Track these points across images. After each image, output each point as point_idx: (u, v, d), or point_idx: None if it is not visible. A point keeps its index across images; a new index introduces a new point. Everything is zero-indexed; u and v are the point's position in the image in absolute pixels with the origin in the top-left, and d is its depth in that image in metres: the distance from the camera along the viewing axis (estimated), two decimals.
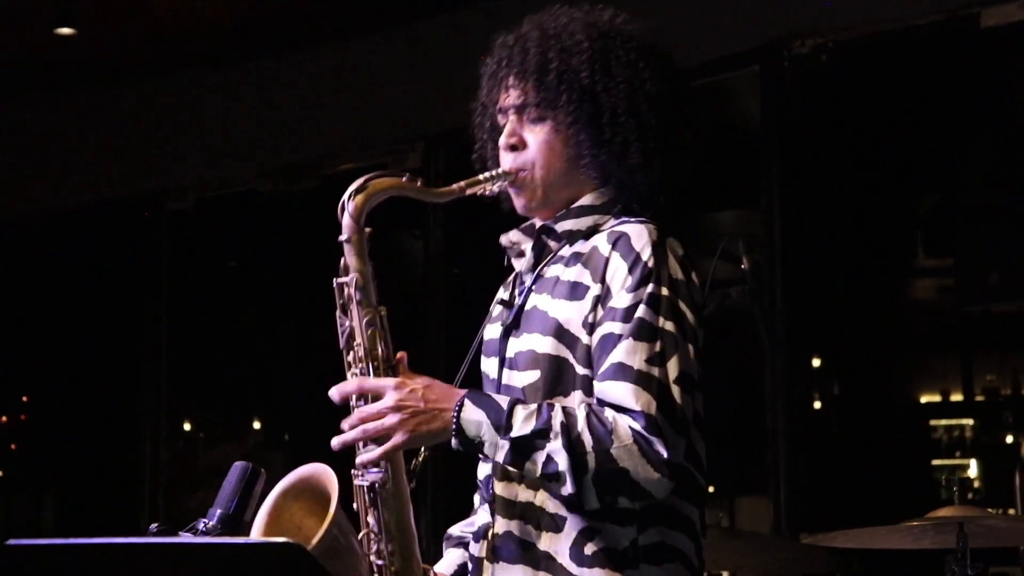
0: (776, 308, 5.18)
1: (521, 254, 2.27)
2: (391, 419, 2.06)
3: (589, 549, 2.08)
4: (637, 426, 2.02)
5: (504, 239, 2.30)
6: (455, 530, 2.38)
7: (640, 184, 2.18)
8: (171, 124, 7.00)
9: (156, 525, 2.14)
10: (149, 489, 7.08)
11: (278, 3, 6.22)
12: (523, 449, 2.03)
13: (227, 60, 6.76)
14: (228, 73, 6.83)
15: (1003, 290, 4.34)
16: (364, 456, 2.09)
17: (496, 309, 2.31)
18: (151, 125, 7.03)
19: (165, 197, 7.09)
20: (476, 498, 2.34)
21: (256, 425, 7.43)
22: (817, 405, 6.41)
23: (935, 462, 7.49)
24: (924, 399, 7.82)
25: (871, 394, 6.88)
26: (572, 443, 2.01)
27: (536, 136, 2.21)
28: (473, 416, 2.05)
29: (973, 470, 7.69)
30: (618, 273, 2.10)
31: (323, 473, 2.13)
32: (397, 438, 2.06)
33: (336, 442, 2.10)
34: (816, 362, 6.33)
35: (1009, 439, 7.46)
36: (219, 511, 2.17)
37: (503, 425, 2.03)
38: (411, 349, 2.21)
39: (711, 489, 6.55)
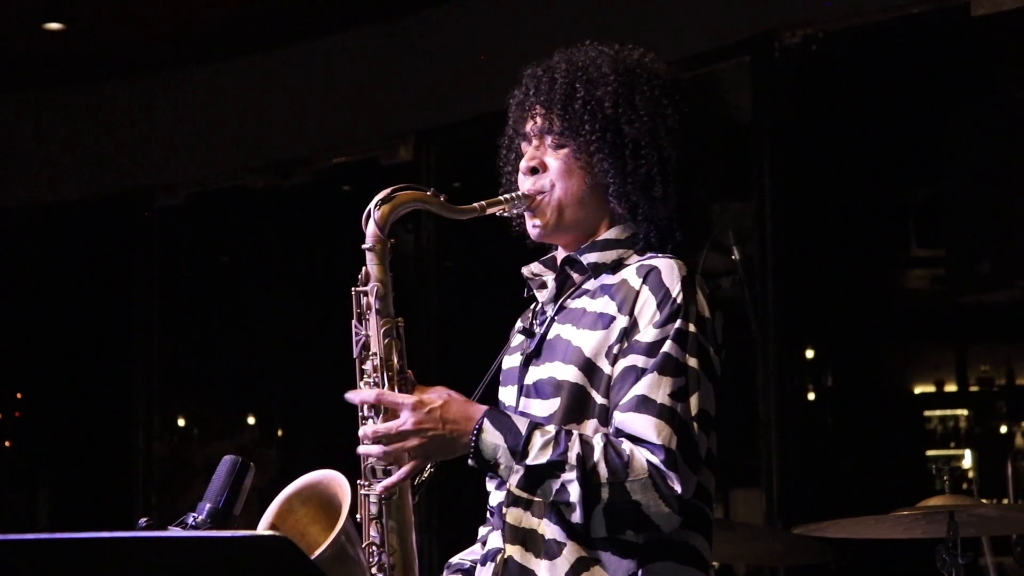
0: (768, 299, 5.18)
1: (543, 286, 2.29)
2: (410, 441, 2.08)
3: None
4: (655, 460, 2.05)
5: (526, 270, 2.32)
6: (455, 559, 2.39)
7: (661, 217, 2.20)
8: (161, 120, 6.98)
9: (145, 520, 2.13)
10: (143, 485, 7.07)
11: None
12: (536, 478, 2.06)
13: (217, 56, 6.75)
14: (218, 69, 6.82)
15: (994, 279, 4.34)
16: (385, 482, 2.10)
17: (516, 339, 2.32)
18: (141, 121, 7.02)
19: (155, 193, 7.07)
20: (481, 529, 2.35)
21: (250, 420, 7.42)
22: (811, 396, 6.40)
23: (930, 452, 7.49)
24: (918, 389, 7.82)
25: (865, 385, 6.88)
26: (587, 475, 2.04)
27: (557, 160, 2.23)
28: (491, 439, 2.07)
29: (968, 460, 7.69)
30: (647, 307, 2.12)
31: (333, 480, 2.13)
32: (415, 462, 2.09)
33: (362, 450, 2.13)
34: (809, 353, 6.33)
35: (1003, 429, 7.47)
36: (208, 505, 2.16)
37: (520, 451, 2.06)
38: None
39: None
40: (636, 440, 2.06)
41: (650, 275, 2.14)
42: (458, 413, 2.09)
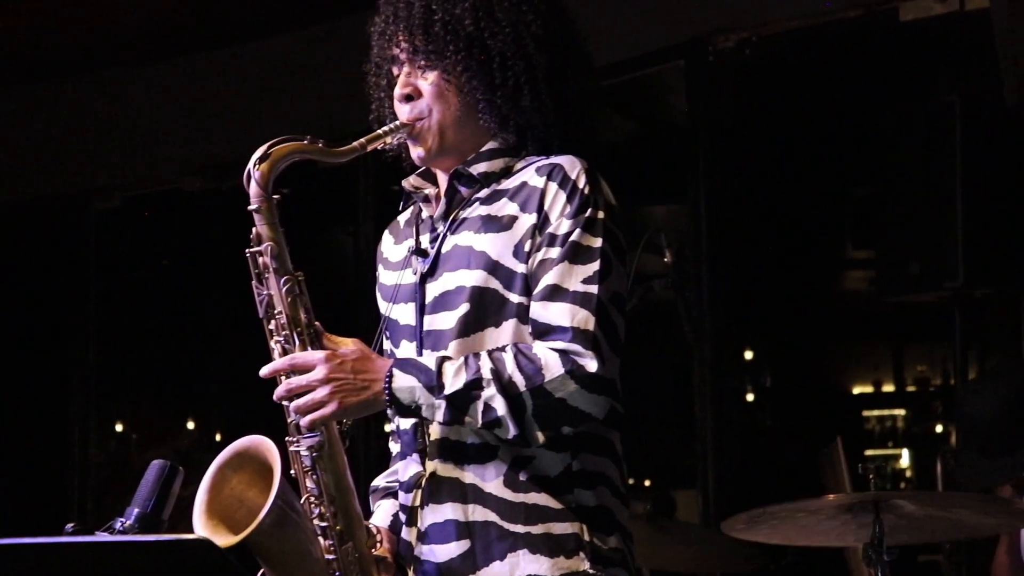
0: (704, 300, 5.21)
1: (426, 199, 2.31)
2: (320, 392, 2.09)
3: (523, 476, 2.13)
4: (563, 345, 2.07)
5: (407, 184, 2.34)
6: (380, 481, 2.40)
7: (536, 125, 2.22)
8: (96, 122, 6.93)
9: (72, 525, 2.13)
10: (79, 491, 7.01)
11: None
12: (459, 403, 2.07)
13: (153, 56, 6.71)
14: (154, 70, 6.78)
15: (923, 281, 4.39)
16: (300, 422, 2.11)
17: (395, 254, 2.35)
18: (76, 123, 6.96)
19: (91, 196, 7.02)
20: (392, 446, 2.38)
21: (190, 426, 7.39)
22: (750, 397, 6.47)
23: (868, 452, 7.59)
24: (857, 390, 7.93)
25: (804, 385, 6.95)
26: (505, 387, 2.06)
27: (428, 83, 2.24)
28: (404, 383, 2.09)
29: (905, 460, 7.80)
30: (556, 201, 2.15)
31: (261, 444, 2.14)
32: (326, 409, 2.09)
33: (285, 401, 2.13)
34: (748, 354, 6.39)
35: (939, 428, 7.57)
36: (136, 510, 2.18)
37: (435, 385, 2.08)
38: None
39: (647, 483, 6.60)
40: (548, 330, 2.09)
41: (554, 171, 2.16)
42: (369, 365, 2.12)
